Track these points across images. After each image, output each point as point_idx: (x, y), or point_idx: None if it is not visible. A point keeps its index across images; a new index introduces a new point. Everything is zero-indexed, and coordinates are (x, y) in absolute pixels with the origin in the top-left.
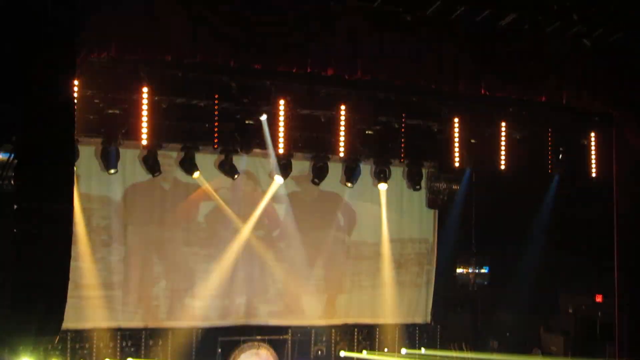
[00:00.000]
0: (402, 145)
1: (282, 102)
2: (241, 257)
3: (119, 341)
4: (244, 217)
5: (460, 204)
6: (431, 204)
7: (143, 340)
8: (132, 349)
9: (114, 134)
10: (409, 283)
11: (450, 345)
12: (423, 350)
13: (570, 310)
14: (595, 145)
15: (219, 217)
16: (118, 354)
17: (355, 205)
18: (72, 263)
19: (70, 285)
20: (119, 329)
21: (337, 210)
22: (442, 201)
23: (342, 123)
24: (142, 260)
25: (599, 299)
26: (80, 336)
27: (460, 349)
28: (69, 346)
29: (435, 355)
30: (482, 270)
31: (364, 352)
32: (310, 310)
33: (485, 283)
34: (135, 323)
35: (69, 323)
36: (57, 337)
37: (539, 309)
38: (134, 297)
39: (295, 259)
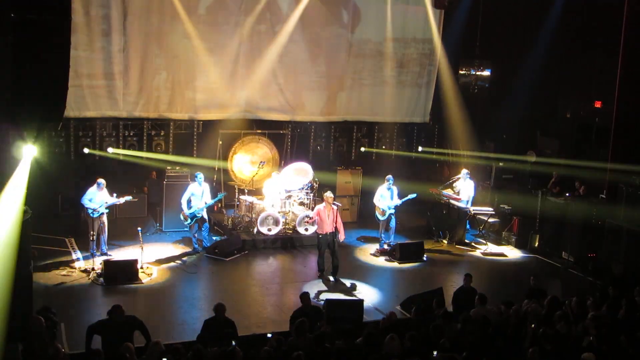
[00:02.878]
0: None
1: None
2: (242, 52)
3: (121, 130)
4: (247, 11)
5: (467, 5)
6: (437, 3)
7: (145, 130)
8: (135, 139)
9: None
10: (410, 83)
11: (446, 144)
12: (420, 149)
13: (568, 115)
14: None
15: (221, 10)
16: (120, 142)
17: (360, 2)
18: (71, 52)
19: (71, 74)
20: (121, 119)
21: (341, 6)
22: (449, 1)
23: None
24: (142, 51)
25: (597, 104)
26: (83, 125)
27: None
28: (72, 134)
29: (432, 153)
30: (484, 73)
31: (362, 148)
32: (310, 106)
33: (486, 85)
34: (137, 113)
35: (71, 111)
36: (60, 124)
37: (537, 113)
38: (134, 87)
39: (297, 55)
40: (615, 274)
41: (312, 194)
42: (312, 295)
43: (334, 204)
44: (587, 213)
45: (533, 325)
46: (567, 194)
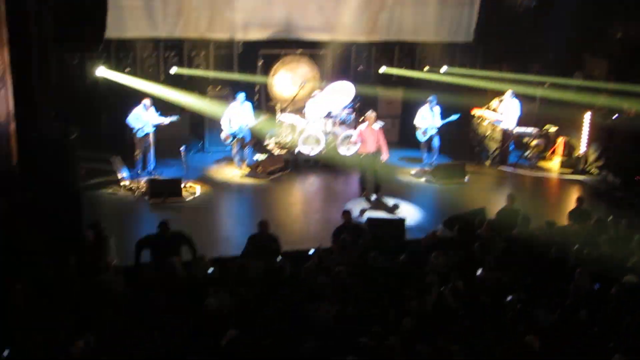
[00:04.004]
0: None
1: None
2: None
3: (161, 51)
4: None
5: None
6: None
7: (185, 50)
8: (175, 59)
9: None
10: (453, 1)
11: (490, 65)
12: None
13: (619, 35)
14: None
15: None
16: (161, 63)
17: None
18: None
19: None
20: (161, 40)
21: None
22: None
23: None
24: None
25: None
26: (124, 46)
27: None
28: (112, 55)
29: (475, 75)
30: None
31: (404, 69)
32: (351, 26)
33: (532, 5)
34: (177, 34)
35: (111, 32)
36: (101, 45)
37: (585, 33)
38: (173, 8)
39: None
40: None
41: (354, 114)
42: (354, 213)
43: (376, 123)
44: (635, 134)
45: (577, 246)
46: (616, 115)
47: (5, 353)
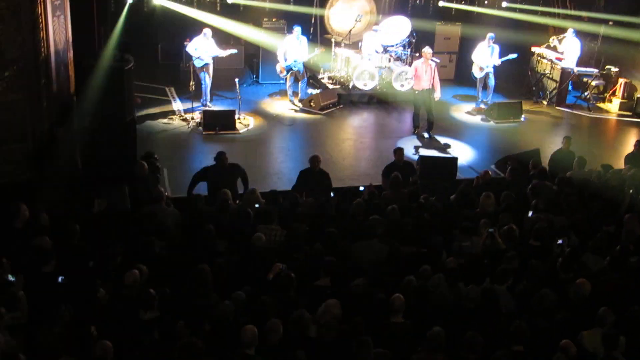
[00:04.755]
0: None
1: None
2: None
3: None
4: None
5: None
6: None
7: None
8: None
9: None
10: None
11: (553, 1)
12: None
13: None
14: None
15: None
16: None
17: None
18: None
19: None
20: None
21: None
22: None
23: None
24: None
25: None
26: None
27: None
28: None
29: (537, 10)
30: None
31: (463, 3)
32: None
33: None
34: None
35: None
36: None
37: None
38: None
39: None
40: None
41: (409, 49)
42: (406, 151)
43: (432, 59)
44: None
45: (632, 191)
46: None
47: (60, 279)
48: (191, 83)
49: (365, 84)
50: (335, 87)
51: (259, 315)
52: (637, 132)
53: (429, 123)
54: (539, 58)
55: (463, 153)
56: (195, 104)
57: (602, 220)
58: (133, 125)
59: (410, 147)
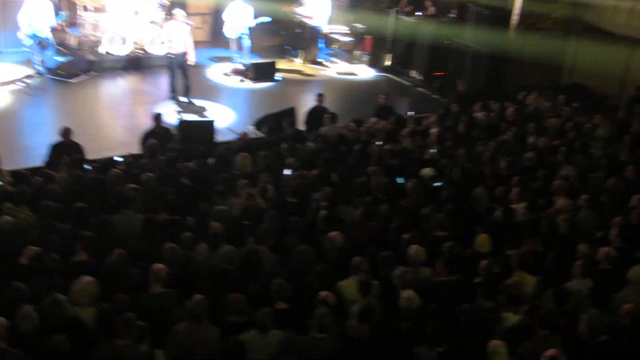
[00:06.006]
0: None
1: None
2: None
3: None
4: None
5: None
6: None
7: None
8: None
9: None
10: None
11: None
12: None
13: None
14: None
15: None
16: None
17: None
18: None
19: None
20: None
21: None
22: None
23: None
24: None
25: None
26: None
27: None
28: None
29: None
30: None
31: None
32: None
33: None
34: None
35: None
36: None
37: None
38: None
39: None
40: (459, 91)
41: (163, 12)
42: (164, 116)
43: (185, 22)
44: (436, 32)
45: (378, 143)
46: (418, 13)
47: None
48: None
49: (117, 48)
50: (85, 53)
51: (10, 303)
52: (384, 86)
53: (186, 87)
54: (290, 17)
55: (221, 115)
56: None
57: (354, 172)
58: None
59: (169, 113)
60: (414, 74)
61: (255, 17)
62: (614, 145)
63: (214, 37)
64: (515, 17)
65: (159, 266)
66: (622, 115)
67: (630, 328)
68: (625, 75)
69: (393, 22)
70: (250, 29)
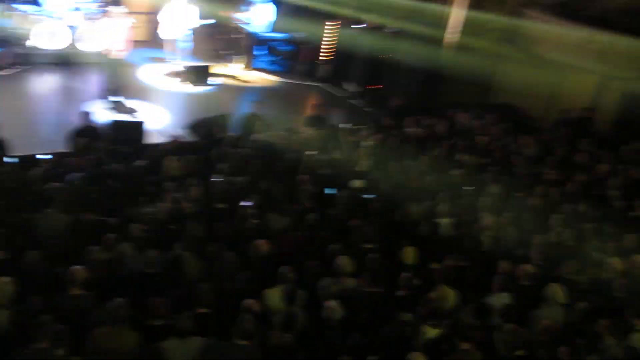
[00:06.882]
0: None
1: None
2: None
3: None
4: None
5: None
6: None
7: None
8: None
9: None
10: None
11: None
12: None
13: None
14: None
15: None
16: None
17: None
18: None
19: None
20: None
21: None
22: None
23: None
24: None
25: None
26: None
27: None
28: None
29: None
30: None
31: None
32: None
33: None
34: None
35: None
36: None
37: None
38: None
39: None
40: (392, 105)
41: (104, 9)
42: (93, 115)
43: (124, 20)
44: (373, 45)
45: (309, 152)
46: (355, 25)
47: None
48: None
49: (47, 42)
50: (13, 45)
51: None
52: (316, 95)
53: (118, 86)
54: (229, 21)
55: (154, 117)
56: None
57: (283, 180)
58: None
59: (98, 111)
60: (348, 85)
61: (200, 18)
62: (538, 165)
63: (156, 37)
64: (449, 35)
65: (76, 268)
66: (547, 136)
67: (547, 343)
68: (551, 97)
69: (330, 33)
70: (193, 30)
